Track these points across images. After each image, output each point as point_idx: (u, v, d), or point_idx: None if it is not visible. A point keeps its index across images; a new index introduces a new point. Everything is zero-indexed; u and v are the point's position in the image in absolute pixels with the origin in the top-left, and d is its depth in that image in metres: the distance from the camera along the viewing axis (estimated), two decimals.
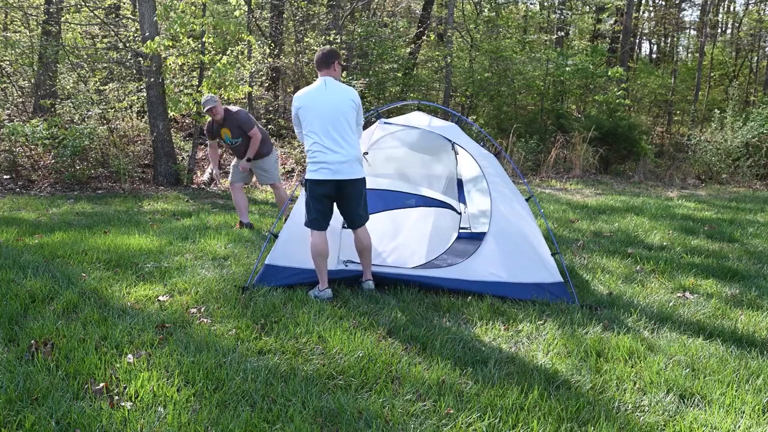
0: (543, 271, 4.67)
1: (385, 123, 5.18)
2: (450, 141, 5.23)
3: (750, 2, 24.11)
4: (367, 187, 4.70)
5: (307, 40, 14.46)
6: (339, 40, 13.70)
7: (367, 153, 5.02)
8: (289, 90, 17.19)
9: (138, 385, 3.05)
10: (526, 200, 5.29)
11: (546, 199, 9.76)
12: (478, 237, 5.58)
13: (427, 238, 5.74)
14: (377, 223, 5.19)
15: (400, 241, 5.57)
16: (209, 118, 6.94)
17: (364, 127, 5.03)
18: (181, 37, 9.78)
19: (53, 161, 10.17)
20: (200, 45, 10.29)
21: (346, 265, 4.70)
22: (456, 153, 6.17)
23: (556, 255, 4.88)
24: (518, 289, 4.59)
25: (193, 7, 9.89)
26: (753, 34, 22.92)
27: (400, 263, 5.16)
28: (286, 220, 5.11)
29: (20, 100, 12.58)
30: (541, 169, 13.28)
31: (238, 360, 3.38)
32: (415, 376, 3.29)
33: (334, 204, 4.49)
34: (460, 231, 6.30)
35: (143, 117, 12.02)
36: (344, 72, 12.77)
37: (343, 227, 4.70)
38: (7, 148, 10.26)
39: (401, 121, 5.27)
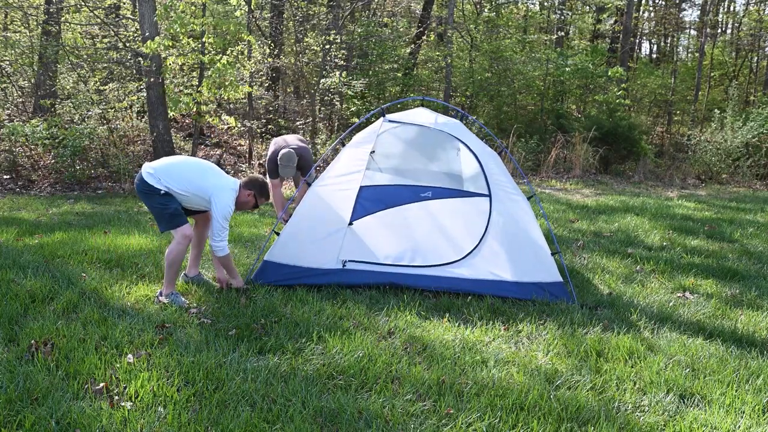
0: (543, 271, 4.67)
1: (389, 120, 5.16)
2: (454, 138, 5.20)
3: (750, 2, 24.11)
4: (375, 184, 4.79)
5: (307, 40, 14.44)
6: (339, 40, 13.69)
7: (373, 151, 5.01)
8: (289, 90, 17.16)
9: (138, 385, 3.05)
10: (528, 199, 5.28)
11: (546, 199, 9.76)
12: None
13: (455, 232, 4.93)
14: (393, 220, 4.86)
15: (422, 238, 4.89)
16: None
17: (367, 125, 4.99)
18: (181, 37, 9.77)
19: (53, 161, 10.17)
20: (200, 45, 10.28)
21: (344, 265, 4.67)
22: (458, 150, 6.14)
23: (556, 255, 4.88)
24: (518, 288, 4.59)
25: (193, 7, 9.88)
26: (753, 34, 22.90)
27: (427, 261, 4.72)
28: (287, 219, 5.12)
29: (20, 100, 12.57)
30: (541, 169, 13.27)
31: (238, 360, 3.38)
32: (415, 376, 3.29)
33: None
34: None
35: (143, 117, 12.00)
36: (344, 72, 12.76)
37: (350, 225, 4.71)
38: (7, 148, 10.26)
39: (405, 118, 5.23)
